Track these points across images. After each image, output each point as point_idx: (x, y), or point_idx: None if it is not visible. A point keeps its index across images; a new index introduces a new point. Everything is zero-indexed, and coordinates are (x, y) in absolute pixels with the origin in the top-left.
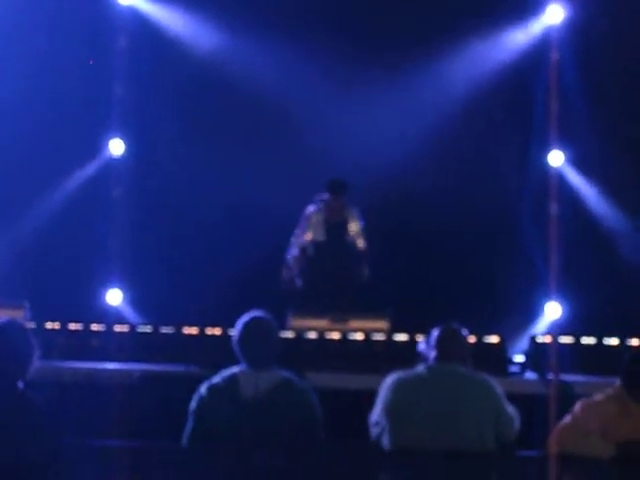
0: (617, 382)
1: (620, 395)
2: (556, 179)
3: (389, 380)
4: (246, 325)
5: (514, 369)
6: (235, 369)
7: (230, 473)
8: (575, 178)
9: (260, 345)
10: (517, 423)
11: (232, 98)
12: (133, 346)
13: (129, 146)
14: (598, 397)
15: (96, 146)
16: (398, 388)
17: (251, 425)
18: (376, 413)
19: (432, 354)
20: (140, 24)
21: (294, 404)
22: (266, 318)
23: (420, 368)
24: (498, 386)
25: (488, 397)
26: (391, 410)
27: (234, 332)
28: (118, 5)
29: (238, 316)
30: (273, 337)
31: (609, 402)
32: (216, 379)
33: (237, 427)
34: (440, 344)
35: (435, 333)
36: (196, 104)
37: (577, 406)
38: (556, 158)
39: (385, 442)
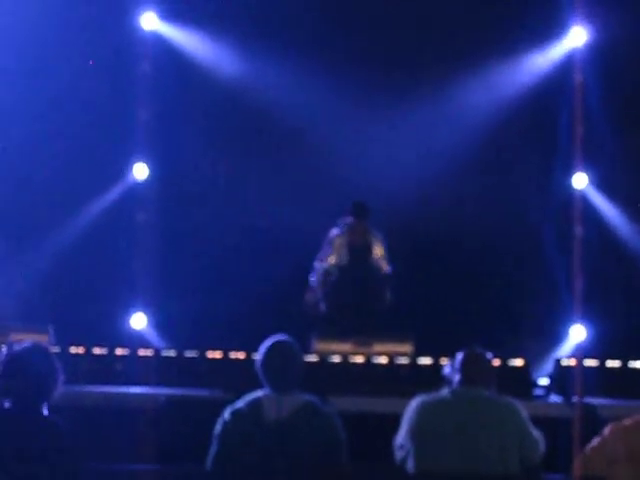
0: None
1: None
2: (580, 201)
3: (414, 403)
4: (269, 349)
5: (539, 392)
6: (259, 393)
7: None
8: (599, 200)
9: (283, 369)
10: (542, 447)
11: (254, 121)
12: (157, 370)
13: (153, 170)
14: (627, 421)
15: (120, 170)
16: (423, 411)
17: (275, 449)
18: (401, 436)
19: (456, 378)
20: (163, 49)
21: (318, 428)
22: (289, 342)
23: (444, 392)
24: (523, 409)
25: (513, 421)
26: (416, 433)
27: (257, 356)
28: (141, 30)
29: (262, 340)
30: (296, 361)
31: (638, 426)
32: (239, 403)
33: (261, 451)
34: (464, 368)
35: (459, 357)
36: (218, 127)
37: (606, 430)
38: (580, 180)
39: (410, 465)
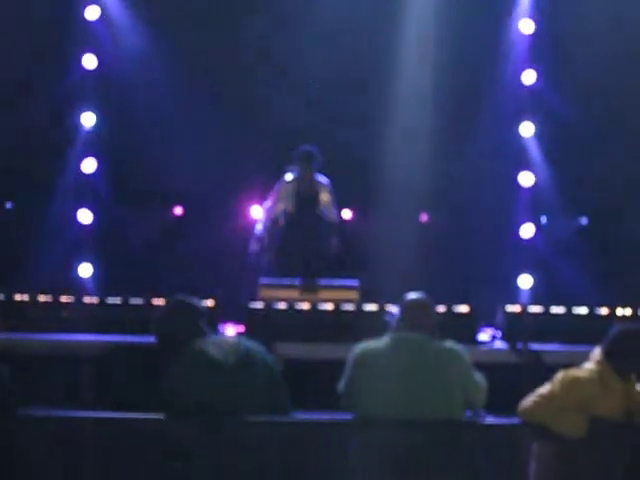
0: (597, 354)
1: (603, 371)
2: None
3: (355, 350)
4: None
5: (484, 338)
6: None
7: (200, 442)
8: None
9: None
10: (485, 390)
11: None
12: (103, 317)
13: (100, 118)
14: (579, 372)
15: (67, 119)
16: (364, 358)
17: (225, 388)
18: (344, 384)
19: (398, 324)
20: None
21: (260, 364)
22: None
23: (385, 338)
24: (465, 353)
25: (455, 364)
26: (358, 380)
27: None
28: None
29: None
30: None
31: (591, 379)
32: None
33: (212, 391)
34: (406, 313)
35: (401, 303)
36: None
37: (556, 378)
38: (527, 129)
39: (354, 412)
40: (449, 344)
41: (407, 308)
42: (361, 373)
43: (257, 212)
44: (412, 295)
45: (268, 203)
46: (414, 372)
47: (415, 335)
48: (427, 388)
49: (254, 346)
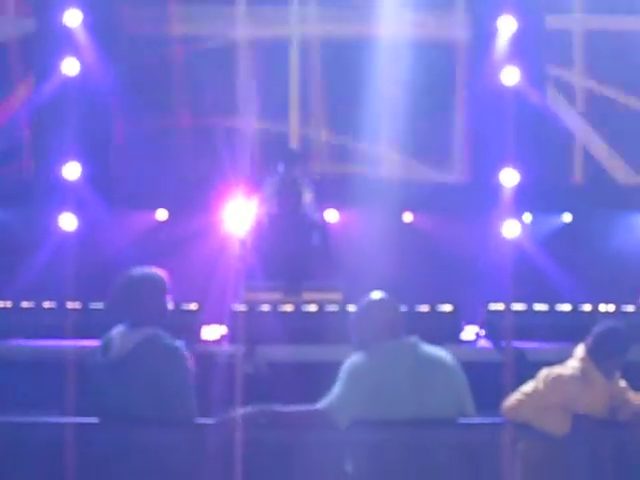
0: (580, 351)
1: (586, 368)
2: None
3: (348, 365)
4: (122, 284)
5: (468, 337)
6: (114, 330)
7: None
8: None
9: (135, 304)
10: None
11: None
12: (85, 323)
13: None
14: (563, 369)
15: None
16: (359, 372)
17: (117, 382)
18: (336, 396)
19: (371, 327)
20: None
21: (157, 361)
22: (149, 274)
23: (375, 348)
24: (457, 364)
25: (452, 376)
26: (353, 395)
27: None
28: None
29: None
30: (149, 295)
31: (574, 376)
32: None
33: (107, 386)
34: (372, 314)
35: (364, 304)
36: None
37: (540, 376)
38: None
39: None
40: (443, 354)
41: (371, 309)
42: (357, 386)
43: (237, 209)
44: (374, 295)
45: (252, 203)
46: (414, 381)
47: (405, 341)
48: (427, 396)
49: (160, 333)
